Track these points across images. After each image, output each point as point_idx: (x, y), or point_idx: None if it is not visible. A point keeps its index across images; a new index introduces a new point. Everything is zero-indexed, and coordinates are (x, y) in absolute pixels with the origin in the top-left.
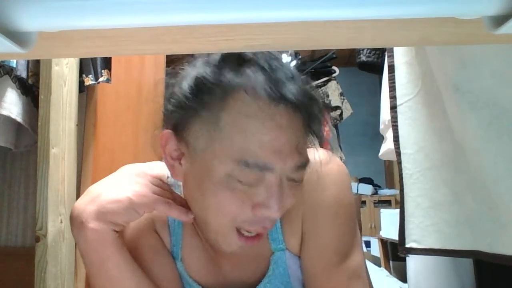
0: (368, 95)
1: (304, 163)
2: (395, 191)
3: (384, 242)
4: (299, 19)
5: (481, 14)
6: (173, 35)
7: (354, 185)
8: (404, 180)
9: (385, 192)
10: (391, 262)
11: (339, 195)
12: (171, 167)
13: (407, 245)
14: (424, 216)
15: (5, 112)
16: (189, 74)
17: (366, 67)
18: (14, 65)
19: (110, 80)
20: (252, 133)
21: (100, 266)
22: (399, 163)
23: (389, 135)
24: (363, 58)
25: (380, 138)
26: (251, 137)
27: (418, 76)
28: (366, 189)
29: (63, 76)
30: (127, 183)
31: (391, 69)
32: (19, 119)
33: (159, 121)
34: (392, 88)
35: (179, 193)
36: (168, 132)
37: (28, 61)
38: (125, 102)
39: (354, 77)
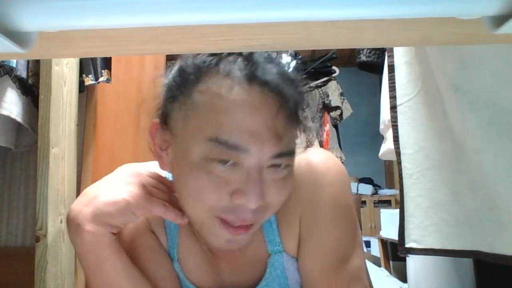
0: (368, 95)
1: (286, 151)
2: (395, 191)
3: (384, 242)
4: (299, 19)
5: (481, 14)
6: (173, 35)
7: (354, 185)
8: (404, 180)
9: (385, 192)
10: (391, 262)
11: (337, 196)
12: (159, 158)
13: (407, 245)
14: (424, 216)
15: (5, 112)
16: (175, 66)
17: (366, 67)
18: (14, 65)
19: (110, 80)
20: (224, 111)
21: (97, 268)
22: (399, 163)
23: (389, 135)
24: (363, 58)
25: (380, 138)
26: (223, 115)
27: (418, 76)
28: (366, 189)
29: (63, 76)
30: (124, 184)
31: (391, 69)
32: (19, 119)
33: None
34: (392, 88)
35: None
36: (155, 122)
37: (28, 61)
38: (125, 102)
39: (354, 77)
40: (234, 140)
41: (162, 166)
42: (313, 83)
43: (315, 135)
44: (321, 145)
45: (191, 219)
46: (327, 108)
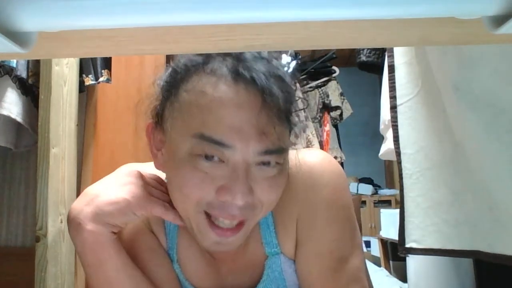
0: (368, 95)
1: (274, 149)
2: (395, 191)
3: (384, 242)
4: (299, 19)
5: (481, 14)
6: (173, 35)
7: (354, 185)
8: (404, 180)
9: (385, 192)
10: (391, 262)
11: (334, 196)
12: (155, 158)
13: (407, 245)
14: (424, 216)
15: (5, 112)
16: (169, 68)
17: (366, 67)
18: (14, 65)
19: (110, 80)
20: (209, 108)
21: (98, 267)
22: (399, 163)
23: (389, 135)
24: (363, 58)
25: (380, 138)
26: (208, 111)
27: (418, 76)
28: (366, 189)
29: (63, 76)
30: (124, 184)
31: (391, 69)
32: (19, 119)
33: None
34: (392, 88)
35: None
36: (150, 122)
37: (28, 61)
38: (125, 102)
39: (354, 77)
40: (218, 136)
41: (157, 166)
42: (313, 83)
43: (314, 134)
44: (321, 145)
45: (183, 218)
46: (327, 108)
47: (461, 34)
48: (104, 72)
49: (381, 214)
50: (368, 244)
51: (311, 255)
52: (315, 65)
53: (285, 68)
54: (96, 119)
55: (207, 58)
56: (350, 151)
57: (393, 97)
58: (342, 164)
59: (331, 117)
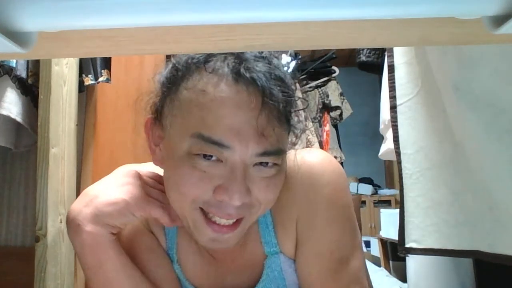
0: (368, 95)
1: (272, 150)
2: (395, 191)
3: (384, 242)
4: (299, 19)
5: (481, 14)
6: (173, 35)
7: (354, 185)
8: (404, 180)
9: (385, 192)
10: (391, 262)
11: (334, 196)
12: (153, 153)
13: (407, 245)
14: (424, 216)
15: (5, 112)
16: (169, 64)
17: (366, 67)
18: (14, 65)
19: (110, 80)
20: (208, 108)
21: (97, 269)
22: (399, 163)
23: (389, 135)
24: (363, 58)
25: (380, 138)
26: (207, 111)
27: (417, 76)
28: (366, 189)
29: (63, 76)
30: (123, 185)
31: (391, 69)
32: (19, 119)
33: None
34: (392, 88)
35: None
36: (149, 118)
37: (28, 61)
38: (125, 102)
39: (354, 77)
40: (217, 137)
41: (155, 162)
42: (313, 83)
43: (314, 134)
44: (321, 145)
45: (179, 216)
46: (327, 108)
47: (461, 34)
48: (104, 72)
49: (381, 214)
50: (368, 244)
51: (311, 255)
52: (315, 65)
53: (285, 68)
54: (95, 119)
55: (208, 56)
56: (350, 151)
57: (393, 97)
58: (342, 164)
59: (331, 117)
